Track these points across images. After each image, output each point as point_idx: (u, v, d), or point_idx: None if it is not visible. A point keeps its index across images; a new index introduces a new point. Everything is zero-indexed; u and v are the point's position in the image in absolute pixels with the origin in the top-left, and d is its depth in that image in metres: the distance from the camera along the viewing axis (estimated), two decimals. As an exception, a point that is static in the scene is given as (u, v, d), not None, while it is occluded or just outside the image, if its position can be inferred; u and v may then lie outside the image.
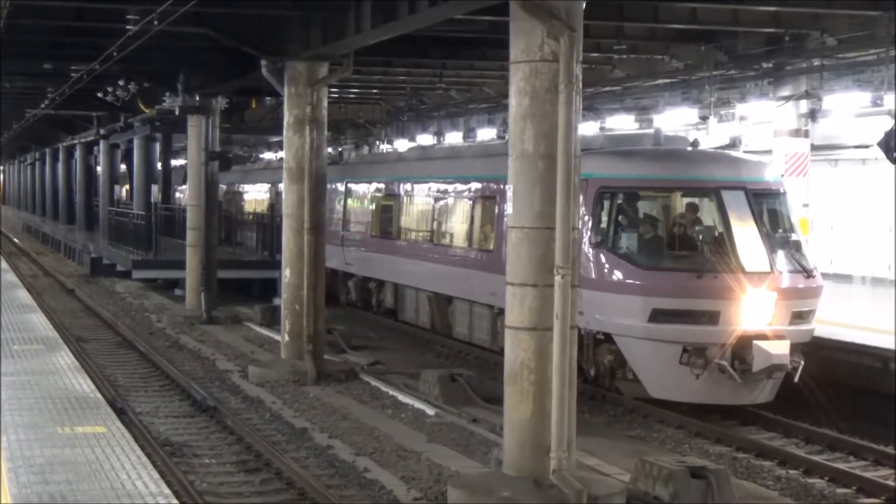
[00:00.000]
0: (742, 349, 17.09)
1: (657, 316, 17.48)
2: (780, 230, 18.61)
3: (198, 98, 29.37)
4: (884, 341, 19.28)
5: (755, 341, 17.04)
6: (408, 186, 27.42)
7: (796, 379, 17.51)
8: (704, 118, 28.52)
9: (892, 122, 22.05)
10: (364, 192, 30.49)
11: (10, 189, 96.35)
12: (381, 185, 29.27)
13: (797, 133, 26.90)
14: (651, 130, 23.08)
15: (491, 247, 22.20)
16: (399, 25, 18.00)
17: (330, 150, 32.26)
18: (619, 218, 18.59)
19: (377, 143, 48.08)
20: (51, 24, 23.31)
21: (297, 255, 21.39)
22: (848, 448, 16.58)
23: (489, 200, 22.67)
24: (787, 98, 26.52)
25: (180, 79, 29.29)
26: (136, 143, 43.42)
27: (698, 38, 25.84)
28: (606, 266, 18.35)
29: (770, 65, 26.45)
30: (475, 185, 23.63)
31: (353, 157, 38.40)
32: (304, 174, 21.29)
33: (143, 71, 29.43)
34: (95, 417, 14.07)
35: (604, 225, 18.64)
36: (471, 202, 23.66)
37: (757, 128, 30.18)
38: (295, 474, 13.89)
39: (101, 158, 50.34)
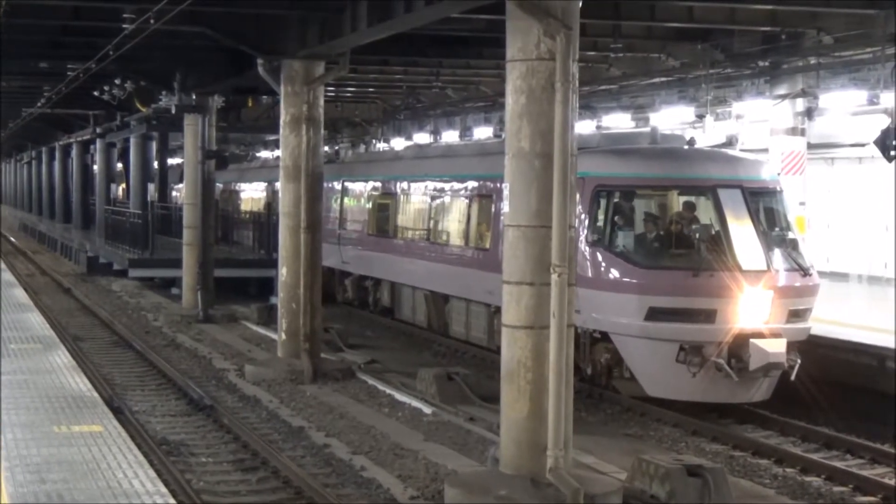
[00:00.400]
0: (739, 347, 17.10)
1: (654, 314, 17.49)
2: (777, 228, 18.63)
3: (194, 97, 29.34)
4: (880, 340, 19.31)
5: (752, 340, 17.05)
6: (404, 185, 27.43)
7: (793, 377, 17.53)
8: (701, 116, 28.51)
9: (889, 120, 22.08)
10: (360, 191, 30.49)
11: (6, 188, 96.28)
12: (378, 184, 29.27)
13: (794, 131, 26.90)
14: (647, 129, 23.09)
15: (487, 245, 22.21)
16: (395, 24, 17.99)
17: (326, 148, 32.29)
18: (616, 216, 18.59)
19: (374, 141, 48.06)
20: (47, 23, 23.29)
21: (294, 254, 21.39)
22: (845, 446, 16.60)
23: (486, 199, 22.67)
24: (784, 96, 26.53)
25: (177, 77, 29.27)
26: (132, 141, 43.41)
27: (695, 37, 25.85)
28: (603, 264, 18.35)
29: (766, 63, 26.45)
30: (472, 184, 23.63)
31: (349, 156, 38.39)
32: (300, 173, 21.28)
33: (140, 70, 29.41)
34: (92, 416, 14.06)
35: (600, 223, 18.64)
36: (467, 201, 23.66)
37: (753, 126, 30.18)
38: (292, 473, 13.89)
39: (98, 157, 50.35)
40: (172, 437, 16.04)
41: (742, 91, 29.52)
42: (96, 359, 22.76)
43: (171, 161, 51.60)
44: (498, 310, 16.92)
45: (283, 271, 21.70)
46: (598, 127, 33.74)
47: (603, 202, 18.69)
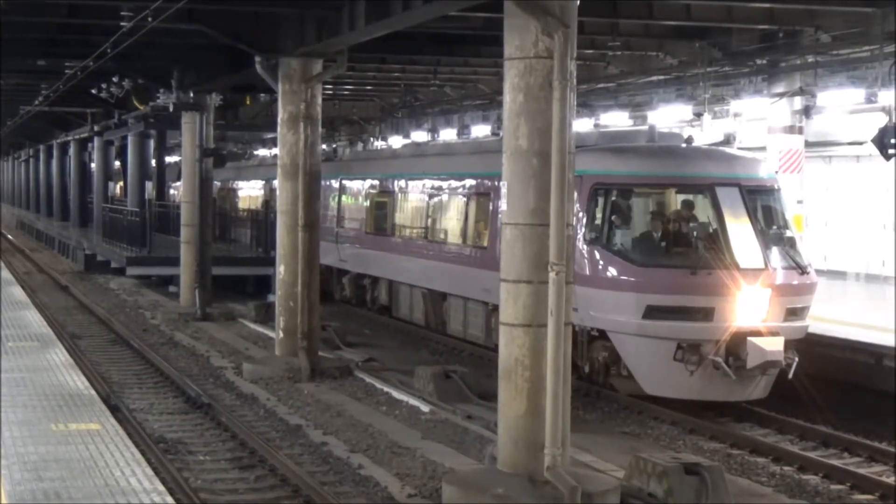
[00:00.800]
0: (736, 346, 17.10)
1: (651, 312, 17.49)
2: (775, 227, 18.63)
3: (192, 95, 29.35)
4: (878, 338, 19.32)
5: (749, 338, 17.05)
6: (402, 183, 27.42)
7: (790, 375, 17.53)
8: (698, 115, 28.49)
9: (887, 118, 22.08)
10: (358, 189, 30.48)
11: (4, 186, 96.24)
12: (376, 182, 29.27)
13: (791, 130, 26.90)
14: (645, 127, 23.09)
15: (485, 243, 22.20)
16: (393, 22, 17.98)
17: (324, 146, 32.28)
18: (614, 215, 18.59)
19: (371, 139, 48.05)
20: (45, 20, 23.27)
21: (292, 252, 21.39)
22: (842, 444, 16.60)
23: (483, 197, 22.67)
24: (782, 95, 26.52)
25: (174, 75, 29.27)
26: (130, 139, 43.39)
27: (692, 35, 25.85)
28: (601, 262, 18.35)
29: (764, 61, 26.46)
30: (469, 182, 23.63)
31: (347, 154, 38.40)
32: (298, 171, 21.28)
33: (138, 68, 29.39)
34: (89, 414, 14.06)
35: (598, 221, 18.64)
36: (465, 199, 23.66)
37: (751, 124, 30.18)
38: (289, 471, 13.88)
39: (96, 155, 50.32)
40: (170, 435, 16.04)
41: (740, 89, 29.50)
42: (94, 357, 22.76)
43: (169, 159, 51.54)
44: (496, 308, 16.92)
45: (280, 269, 21.70)
46: (596, 125, 33.72)
47: (601, 200, 18.69)
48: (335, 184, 31.68)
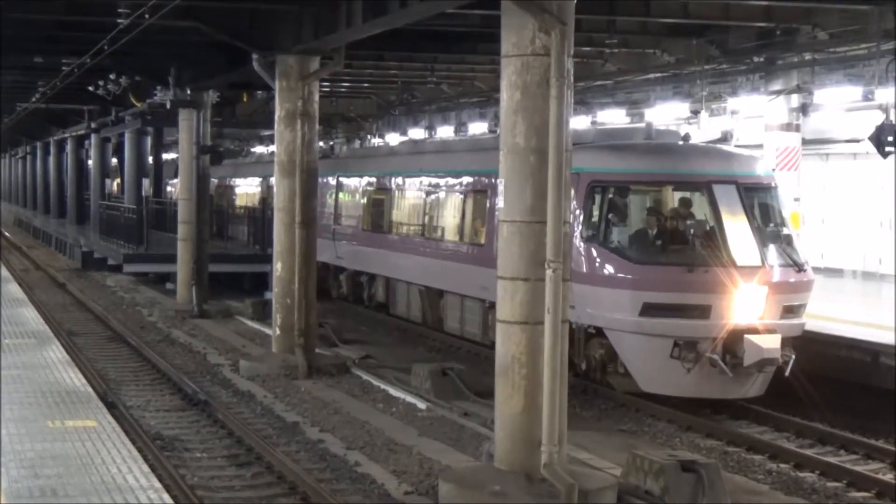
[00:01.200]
0: (733, 343, 17.11)
1: (648, 310, 17.49)
2: (772, 224, 18.63)
3: (189, 92, 29.33)
4: (874, 335, 19.33)
5: (746, 335, 17.06)
6: (399, 180, 27.42)
7: (787, 373, 17.53)
8: (696, 112, 28.54)
9: (884, 116, 22.09)
10: (355, 187, 30.47)
11: (1, 183, 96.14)
12: (373, 180, 29.27)
13: (788, 127, 26.93)
14: (642, 125, 23.09)
15: (482, 241, 22.20)
16: (390, 20, 17.98)
17: (321, 144, 32.25)
18: (611, 212, 18.58)
19: (368, 137, 48.06)
20: (42, 17, 23.25)
21: (289, 249, 21.39)
22: (839, 442, 16.61)
23: (480, 194, 22.67)
24: (779, 92, 26.55)
25: (171, 73, 29.24)
26: (127, 136, 43.35)
27: (690, 33, 25.87)
28: (598, 260, 18.35)
29: (761, 59, 26.50)
30: (466, 180, 23.63)
31: (344, 151, 38.38)
32: (295, 168, 21.28)
33: (135, 65, 29.39)
34: (86, 411, 14.06)
35: (595, 219, 18.64)
36: (462, 196, 23.66)
37: (748, 122, 30.20)
38: (286, 468, 13.89)
39: (92, 152, 50.27)
40: (167, 432, 16.04)
41: (737, 87, 29.55)
42: (91, 354, 22.75)
43: (166, 156, 51.54)
44: (493, 305, 16.91)
45: (277, 266, 21.69)
46: (593, 122, 33.75)
47: (598, 198, 18.69)
48: (332, 181, 31.67)
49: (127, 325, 26.57)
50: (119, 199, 45.72)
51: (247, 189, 44.06)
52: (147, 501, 10.25)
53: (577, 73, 18.36)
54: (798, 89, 26.50)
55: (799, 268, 18.14)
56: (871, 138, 21.68)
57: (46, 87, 36.03)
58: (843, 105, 27.10)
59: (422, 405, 17.78)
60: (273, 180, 22.52)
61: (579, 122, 32.32)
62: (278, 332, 21.55)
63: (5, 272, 32.96)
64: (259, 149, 55.46)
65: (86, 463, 11.50)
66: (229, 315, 28.36)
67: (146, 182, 44.25)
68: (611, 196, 18.67)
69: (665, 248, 18.13)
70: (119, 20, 20.56)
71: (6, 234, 59.10)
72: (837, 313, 21.66)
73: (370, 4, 18.16)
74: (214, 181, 41.86)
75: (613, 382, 18.88)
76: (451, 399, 18.16)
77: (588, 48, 26.85)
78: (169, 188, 50.24)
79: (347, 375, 20.49)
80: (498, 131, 13.67)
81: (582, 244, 18.42)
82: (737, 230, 17.79)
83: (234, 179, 46.08)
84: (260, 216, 34.85)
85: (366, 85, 40.32)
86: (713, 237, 17.75)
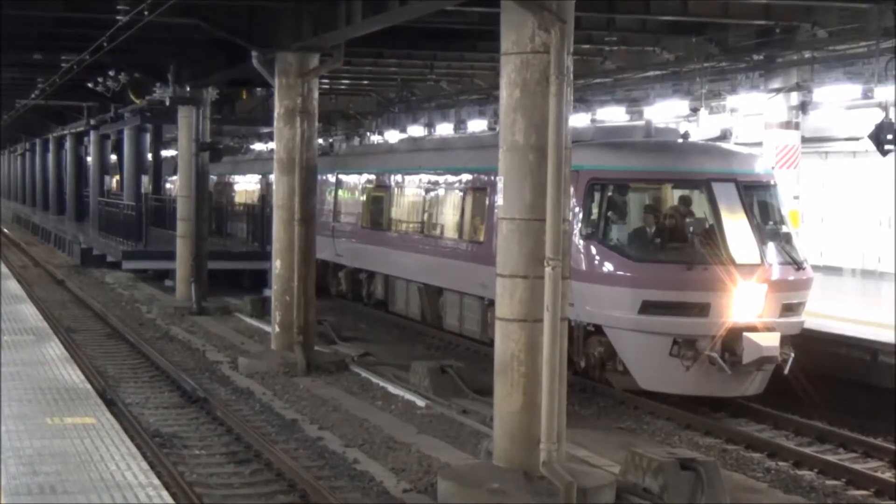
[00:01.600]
0: (732, 341, 17.10)
1: (647, 308, 17.49)
2: (771, 222, 18.63)
3: (188, 89, 29.32)
4: (874, 334, 19.33)
5: (745, 333, 17.06)
6: (398, 178, 27.41)
7: (786, 371, 17.53)
8: (695, 110, 28.53)
9: (883, 114, 22.09)
10: (355, 184, 30.47)
11: (0, 180, 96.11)
12: (372, 177, 29.25)
13: (788, 125, 26.90)
14: (642, 122, 23.08)
15: (481, 238, 22.19)
16: (390, 17, 17.97)
17: (321, 141, 32.24)
18: (610, 210, 18.58)
19: (368, 134, 48.04)
20: (41, 14, 23.25)
21: (288, 247, 21.39)
22: (838, 440, 16.61)
23: (480, 192, 22.66)
24: (778, 90, 26.53)
25: (171, 69, 29.23)
26: (126, 133, 43.34)
27: (689, 31, 25.86)
28: (597, 258, 18.34)
29: (761, 57, 26.48)
30: (466, 177, 23.62)
31: (343, 149, 38.36)
32: (294, 165, 21.27)
33: (134, 61, 29.39)
34: (85, 408, 14.05)
35: (594, 217, 18.64)
36: (461, 194, 23.65)
37: (747, 120, 30.19)
38: (285, 466, 13.88)
39: (92, 149, 50.23)
40: (165, 429, 16.04)
41: (736, 85, 29.53)
42: (89, 351, 22.74)
43: (165, 153, 51.49)
44: (492, 303, 16.89)
45: (276, 264, 21.69)
46: (593, 120, 33.73)
47: (597, 195, 18.68)
48: (331, 178, 31.67)
49: (126, 322, 26.57)
50: (118, 196, 45.72)
51: (246, 186, 44.05)
52: (146, 498, 10.24)
53: (577, 71, 18.36)
54: (797, 87, 26.49)
55: (798, 266, 18.13)
56: (870, 136, 21.68)
57: (46, 84, 36.00)
58: (842, 103, 27.09)
59: (421, 403, 17.78)
60: (272, 177, 22.52)
61: (579, 120, 32.29)
62: (277, 329, 21.55)
63: (4, 269, 32.96)
64: (258, 146, 55.44)
65: (84, 460, 11.50)
66: (228, 312, 28.37)
67: (145, 179, 44.21)
68: (610, 194, 18.66)
69: (664, 245, 18.12)
70: (118, 17, 20.54)
71: (5, 230, 59.08)
72: (837, 311, 21.66)
73: (370, 2, 18.15)
74: (214, 178, 41.89)
75: (612, 380, 18.88)
76: (449, 397, 18.16)
77: (587, 46, 26.86)
78: (168, 185, 50.19)
79: (346, 373, 20.48)
80: (497, 129, 13.65)
81: (581, 242, 18.42)
82: (736, 228, 17.79)
83: (233, 176, 46.07)
84: (259, 213, 34.86)
85: (365, 82, 40.30)
86: (712, 235, 17.74)
